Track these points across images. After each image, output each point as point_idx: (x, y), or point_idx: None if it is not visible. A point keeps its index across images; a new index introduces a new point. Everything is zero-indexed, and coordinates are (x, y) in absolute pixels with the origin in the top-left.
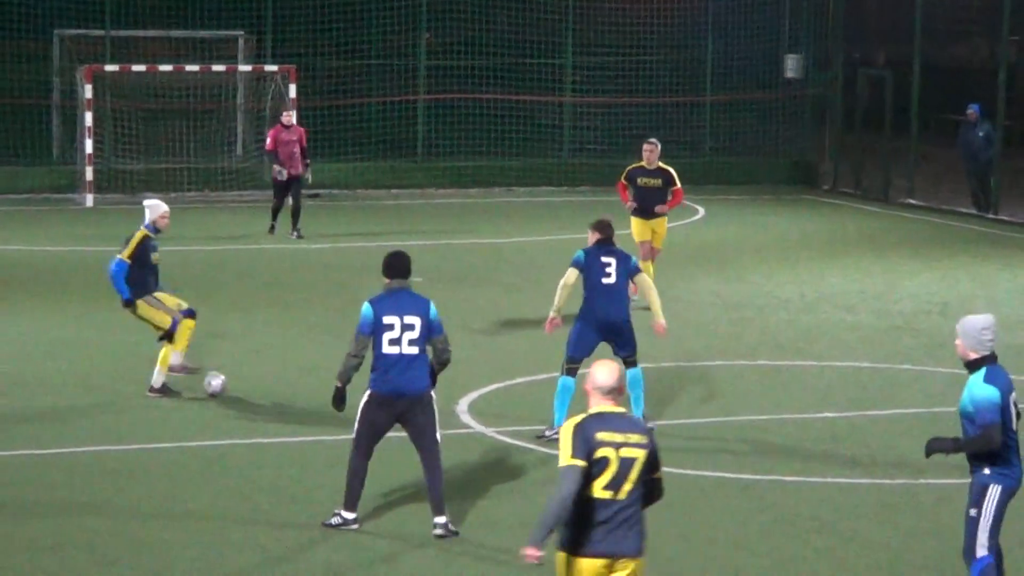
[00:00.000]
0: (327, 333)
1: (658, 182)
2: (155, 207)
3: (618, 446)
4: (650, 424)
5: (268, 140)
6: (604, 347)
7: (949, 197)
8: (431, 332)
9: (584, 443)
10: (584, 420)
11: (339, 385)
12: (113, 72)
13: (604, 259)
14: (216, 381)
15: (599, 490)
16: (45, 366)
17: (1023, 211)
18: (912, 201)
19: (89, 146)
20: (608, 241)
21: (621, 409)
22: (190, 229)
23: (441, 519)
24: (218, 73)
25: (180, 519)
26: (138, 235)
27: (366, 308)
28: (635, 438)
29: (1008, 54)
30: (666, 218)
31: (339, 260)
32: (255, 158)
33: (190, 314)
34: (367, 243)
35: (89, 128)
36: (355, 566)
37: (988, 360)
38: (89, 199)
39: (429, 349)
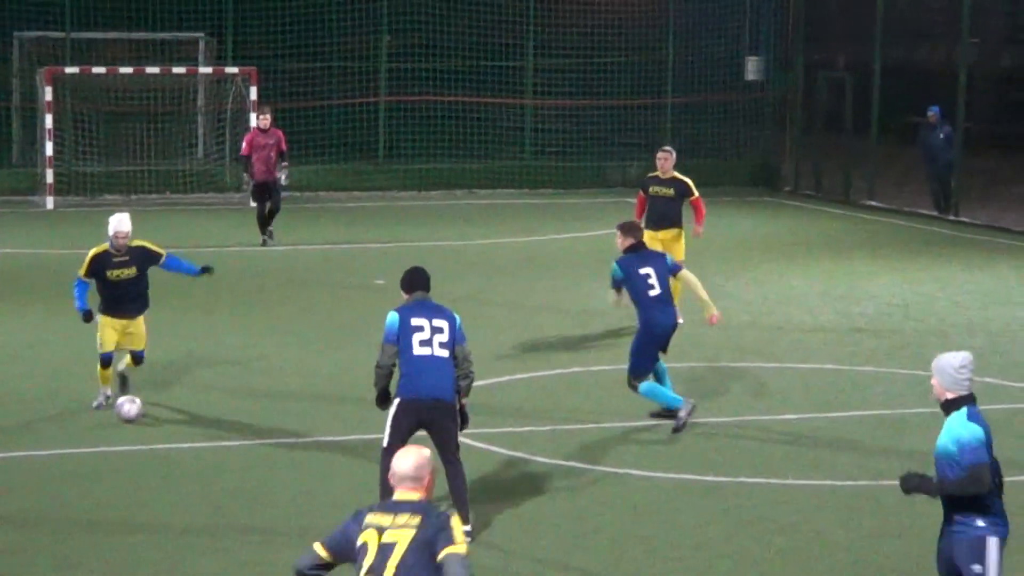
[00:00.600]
0: (288, 335)
1: (670, 192)
2: (112, 223)
3: (382, 530)
4: (686, 410)
5: (244, 145)
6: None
7: (910, 199)
8: (455, 340)
9: (342, 532)
10: (367, 507)
11: (377, 392)
12: (73, 74)
13: (642, 271)
14: (130, 407)
15: None
16: (6, 370)
17: (983, 212)
18: (873, 203)
19: (49, 148)
20: (641, 245)
21: (415, 496)
22: (150, 232)
23: (467, 527)
24: (179, 75)
25: (144, 522)
26: (92, 252)
27: (391, 316)
28: (403, 519)
29: (968, 56)
30: (681, 231)
31: (301, 262)
32: (216, 160)
33: (134, 357)
34: (328, 246)
35: (49, 130)
36: None
37: (968, 400)
38: (49, 202)
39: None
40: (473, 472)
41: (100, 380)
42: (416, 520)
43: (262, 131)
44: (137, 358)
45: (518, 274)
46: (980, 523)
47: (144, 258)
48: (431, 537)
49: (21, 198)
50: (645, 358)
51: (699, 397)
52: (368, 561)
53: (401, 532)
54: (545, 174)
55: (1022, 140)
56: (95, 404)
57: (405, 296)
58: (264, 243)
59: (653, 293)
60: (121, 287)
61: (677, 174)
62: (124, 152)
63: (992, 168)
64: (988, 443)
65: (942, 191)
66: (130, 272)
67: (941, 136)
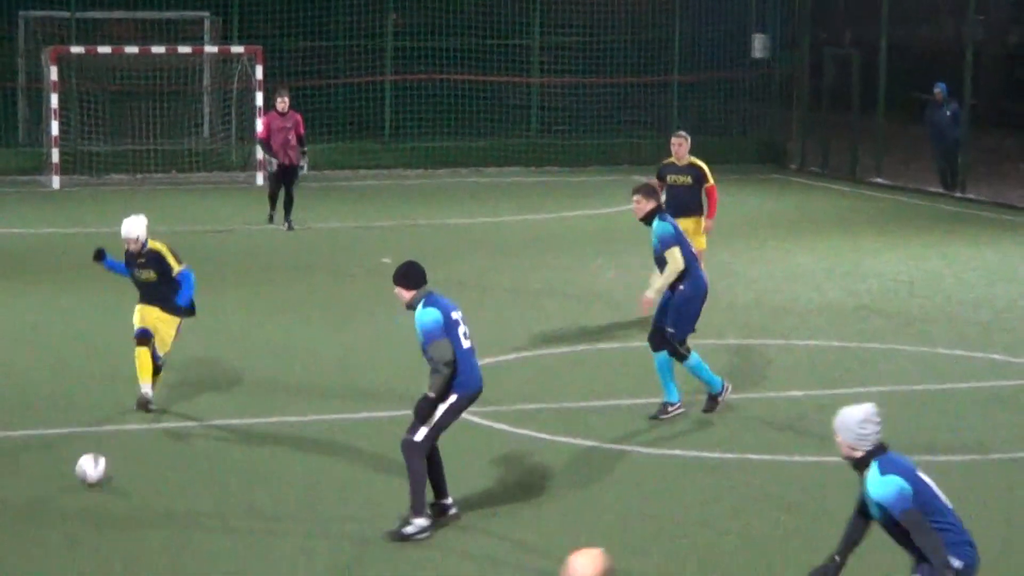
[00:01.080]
0: (294, 314)
1: (688, 179)
2: (121, 228)
3: None
4: (724, 394)
5: (261, 127)
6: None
7: (916, 176)
8: None
9: None
10: None
11: (432, 397)
12: (79, 54)
13: (682, 230)
14: (91, 470)
15: None
16: (11, 349)
17: (989, 189)
18: (879, 180)
19: (55, 128)
20: (661, 207)
21: None
22: (157, 211)
23: (450, 500)
24: (184, 55)
25: (149, 500)
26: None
27: (434, 313)
28: None
29: (974, 33)
30: (701, 219)
31: (307, 242)
32: (222, 140)
33: (139, 337)
34: (335, 224)
35: (55, 110)
36: (327, 549)
37: (876, 453)
38: (56, 181)
39: None
40: (478, 449)
41: (138, 372)
42: None
43: (280, 114)
44: (155, 362)
45: (524, 253)
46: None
47: (160, 264)
48: None
49: (27, 178)
50: (692, 321)
51: None
52: None
53: None
54: (551, 152)
55: None
56: (148, 406)
57: (410, 292)
58: (271, 219)
59: (694, 250)
60: (147, 287)
61: (693, 159)
62: (130, 131)
63: (998, 145)
64: (916, 488)
65: (949, 168)
66: (148, 275)
67: (948, 113)
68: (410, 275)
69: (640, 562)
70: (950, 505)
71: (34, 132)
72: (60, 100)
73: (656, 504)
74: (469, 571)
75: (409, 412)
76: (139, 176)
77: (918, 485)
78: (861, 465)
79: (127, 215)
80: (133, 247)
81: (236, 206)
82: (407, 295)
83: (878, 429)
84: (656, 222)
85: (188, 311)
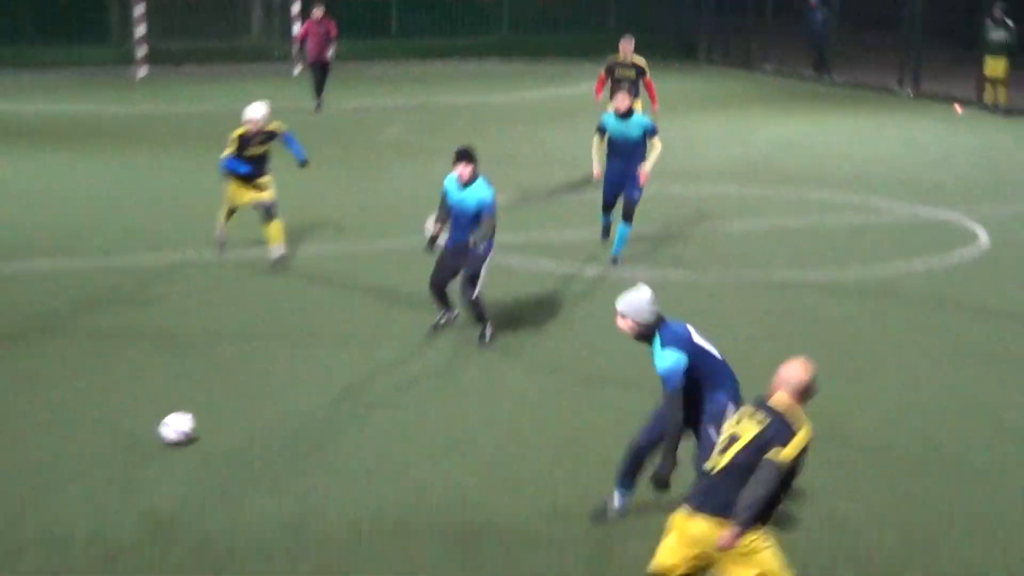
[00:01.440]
0: (322, 169)
1: (632, 74)
2: (246, 111)
3: (740, 420)
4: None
5: (301, 31)
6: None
7: (795, 64)
8: None
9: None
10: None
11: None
12: None
13: None
14: (174, 430)
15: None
16: (114, 194)
17: (851, 74)
18: (767, 67)
19: (141, 30)
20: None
21: (784, 403)
22: (219, 92)
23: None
24: None
25: (199, 328)
26: (236, 132)
27: (493, 190)
28: (759, 417)
29: None
30: (638, 102)
31: (333, 117)
32: (268, 39)
33: (266, 210)
34: (355, 103)
35: (140, 15)
36: (345, 361)
37: (657, 325)
38: (141, 71)
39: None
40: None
41: (220, 221)
42: (766, 422)
43: (316, 22)
44: (268, 210)
45: (499, 123)
46: (721, 396)
47: (273, 138)
48: (769, 440)
49: (119, 67)
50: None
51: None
52: (719, 445)
53: (749, 428)
54: (519, 46)
55: (883, 18)
56: (218, 246)
57: (474, 168)
58: (318, 107)
59: None
60: (255, 161)
61: (636, 58)
62: (198, 32)
63: (859, 40)
64: (690, 348)
65: (820, 59)
66: (263, 150)
67: (819, 17)
68: (474, 154)
69: (622, 368)
70: (718, 354)
71: (123, 33)
72: (146, 7)
73: (598, 307)
74: (457, 369)
75: (408, 243)
76: (206, 66)
77: (693, 349)
78: (646, 338)
79: (199, 97)
80: (254, 128)
81: (278, 89)
82: (471, 170)
83: (656, 308)
84: (639, 116)
85: (305, 163)
